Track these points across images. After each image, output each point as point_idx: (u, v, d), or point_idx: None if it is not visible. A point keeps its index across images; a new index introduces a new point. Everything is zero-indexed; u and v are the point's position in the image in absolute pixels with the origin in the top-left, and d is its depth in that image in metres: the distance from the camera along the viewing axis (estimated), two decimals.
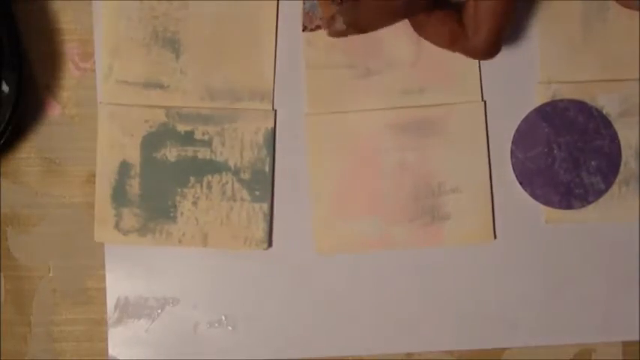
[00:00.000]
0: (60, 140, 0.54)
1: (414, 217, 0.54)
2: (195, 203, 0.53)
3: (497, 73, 0.54)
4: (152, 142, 0.53)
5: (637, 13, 0.53)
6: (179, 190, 0.53)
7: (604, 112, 0.53)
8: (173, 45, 0.53)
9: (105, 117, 0.53)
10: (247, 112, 0.53)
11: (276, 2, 0.53)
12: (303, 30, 0.53)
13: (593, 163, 0.53)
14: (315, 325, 0.54)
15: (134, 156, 0.53)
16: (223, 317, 0.54)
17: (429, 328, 0.54)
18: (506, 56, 0.53)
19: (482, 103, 0.53)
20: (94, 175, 0.53)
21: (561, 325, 0.54)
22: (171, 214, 0.53)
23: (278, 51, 0.53)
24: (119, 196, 0.53)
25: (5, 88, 0.51)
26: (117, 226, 0.53)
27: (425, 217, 0.53)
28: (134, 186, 0.53)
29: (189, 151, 0.53)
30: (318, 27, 0.53)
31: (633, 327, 0.54)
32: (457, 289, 0.54)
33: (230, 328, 0.54)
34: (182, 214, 0.53)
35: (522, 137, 0.53)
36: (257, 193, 0.53)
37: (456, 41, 0.49)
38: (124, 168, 0.53)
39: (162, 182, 0.53)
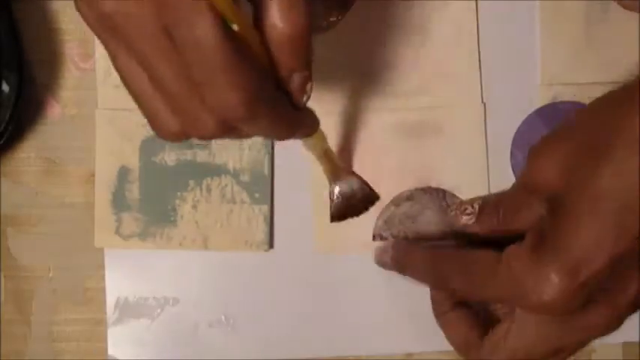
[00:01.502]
0: (60, 140, 0.54)
1: None
2: (195, 206, 0.53)
3: (497, 75, 0.53)
4: (151, 146, 0.53)
5: (637, 15, 0.52)
6: (179, 193, 0.53)
7: None
8: None
9: (103, 122, 0.53)
10: None
11: None
12: None
13: None
14: (315, 325, 0.54)
15: (133, 161, 0.53)
16: (223, 317, 0.54)
17: (429, 328, 0.54)
18: (507, 58, 0.53)
19: (482, 104, 0.53)
20: (93, 175, 0.53)
21: None
22: (172, 218, 0.53)
23: None
24: (119, 201, 0.53)
25: (5, 88, 0.51)
26: (117, 231, 0.53)
27: None
28: (134, 191, 0.53)
29: (188, 154, 0.53)
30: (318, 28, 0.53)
31: (633, 328, 0.54)
32: None
33: (230, 328, 0.54)
34: (182, 217, 0.53)
35: (522, 139, 0.53)
36: (257, 195, 0.53)
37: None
38: (123, 173, 0.53)
39: (162, 186, 0.53)
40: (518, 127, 0.53)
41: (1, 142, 0.51)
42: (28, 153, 0.54)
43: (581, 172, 0.42)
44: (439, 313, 0.50)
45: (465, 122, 0.53)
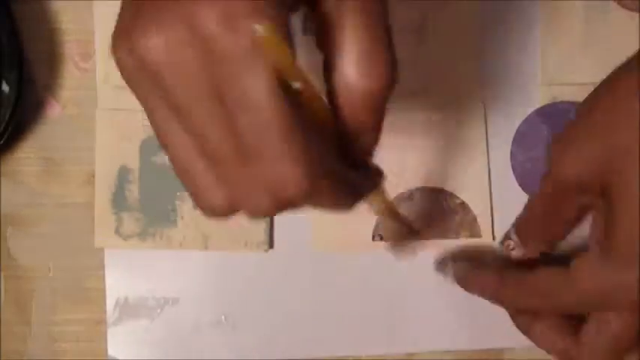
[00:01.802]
0: (60, 140, 0.54)
1: None
2: (195, 207, 0.53)
3: (497, 75, 0.53)
4: (151, 146, 0.53)
5: (637, 14, 0.52)
6: (178, 193, 0.53)
7: None
8: None
9: (103, 122, 0.53)
10: None
11: None
12: (304, 34, 0.53)
13: None
14: (315, 325, 0.54)
15: (133, 161, 0.53)
16: (223, 317, 0.54)
17: (429, 328, 0.54)
18: (507, 58, 0.53)
19: (482, 104, 0.53)
20: (93, 176, 0.53)
21: None
22: (172, 218, 0.53)
23: None
24: (119, 201, 0.53)
25: (5, 88, 0.51)
26: (117, 231, 0.53)
27: None
28: (134, 191, 0.53)
29: None
30: None
31: None
32: (458, 290, 0.53)
33: (230, 328, 0.54)
34: (182, 217, 0.53)
35: (522, 139, 0.53)
36: None
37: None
38: (124, 173, 0.53)
39: (162, 186, 0.53)
40: (518, 127, 0.53)
41: (1, 142, 0.51)
42: (28, 153, 0.54)
43: (620, 172, 0.41)
44: (525, 329, 0.49)
45: (465, 122, 0.53)
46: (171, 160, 0.32)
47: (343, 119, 0.32)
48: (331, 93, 0.32)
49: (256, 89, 0.28)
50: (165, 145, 0.32)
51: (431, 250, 0.53)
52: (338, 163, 0.33)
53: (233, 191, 0.31)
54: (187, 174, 0.32)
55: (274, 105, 0.28)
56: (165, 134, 0.32)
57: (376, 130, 0.33)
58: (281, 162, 0.29)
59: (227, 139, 0.30)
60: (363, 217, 0.53)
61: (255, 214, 0.32)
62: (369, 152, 0.35)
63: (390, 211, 0.46)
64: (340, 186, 0.33)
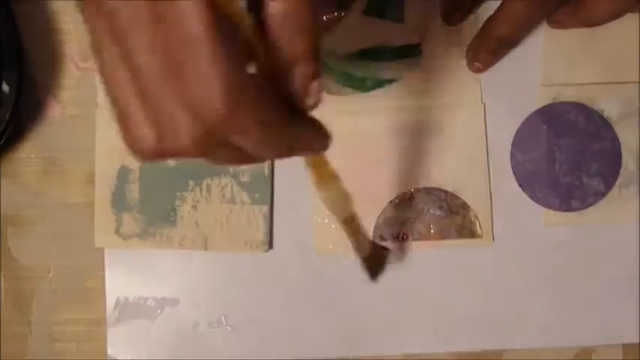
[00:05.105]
0: (60, 140, 0.54)
1: None
2: (194, 207, 0.53)
3: (498, 75, 0.53)
4: None
5: (637, 15, 0.52)
6: (178, 194, 0.53)
7: (604, 114, 0.53)
8: None
9: (103, 122, 0.53)
10: None
11: None
12: None
13: (593, 165, 0.53)
14: (314, 326, 0.54)
15: (133, 161, 0.53)
16: (223, 317, 0.54)
17: (428, 330, 0.54)
18: (507, 58, 0.53)
19: (482, 105, 0.53)
20: (93, 175, 0.53)
21: (561, 327, 0.54)
22: (172, 218, 0.53)
23: None
24: (119, 201, 0.53)
25: (5, 88, 0.51)
26: (117, 231, 0.53)
27: None
28: (134, 191, 0.53)
29: None
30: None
31: (633, 329, 0.54)
32: (457, 291, 0.54)
33: (230, 328, 0.54)
34: (182, 217, 0.53)
35: (522, 139, 0.53)
36: (257, 195, 0.53)
37: None
38: (124, 173, 0.53)
39: (162, 186, 0.53)
40: (518, 128, 0.53)
41: (1, 142, 0.51)
42: (28, 153, 0.54)
43: None
44: None
45: (465, 122, 0.53)
46: (110, 97, 0.33)
47: (273, 46, 0.31)
48: (260, 19, 0.31)
49: (188, 4, 0.28)
50: (107, 84, 0.32)
51: (431, 250, 0.53)
52: (269, 93, 0.32)
53: (159, 123, 0.31)
54: (121, 110, 0.32)
55: (205, 21, 0.28)
56: (109, 73, 0.32)
57: (310, 60, 0.32)
58: (204, 79, 0.29)
59: (155, 54, 0.29)
60: (364, 219, 0.53)
61: (178, 147, 0.31)
62: (305, 88, 0.33)
63: (328, 178, 0.42)
64: (269, 118, 0.31)
